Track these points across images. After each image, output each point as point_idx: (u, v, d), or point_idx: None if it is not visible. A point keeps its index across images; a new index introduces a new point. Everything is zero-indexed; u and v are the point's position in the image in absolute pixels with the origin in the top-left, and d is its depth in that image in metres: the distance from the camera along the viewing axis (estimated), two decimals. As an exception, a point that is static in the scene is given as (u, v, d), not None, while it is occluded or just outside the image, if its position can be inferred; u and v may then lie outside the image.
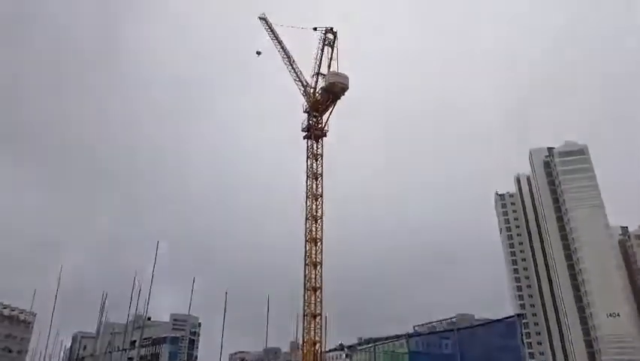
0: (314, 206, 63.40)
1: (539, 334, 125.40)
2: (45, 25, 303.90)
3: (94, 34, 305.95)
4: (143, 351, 47.22)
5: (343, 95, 64.57)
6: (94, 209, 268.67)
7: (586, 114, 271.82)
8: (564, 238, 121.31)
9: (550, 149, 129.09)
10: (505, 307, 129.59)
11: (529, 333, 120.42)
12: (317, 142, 65.22)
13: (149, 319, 66.58)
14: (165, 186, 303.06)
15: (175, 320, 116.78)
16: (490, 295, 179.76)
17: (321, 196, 63.76)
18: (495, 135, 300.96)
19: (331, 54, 64.40)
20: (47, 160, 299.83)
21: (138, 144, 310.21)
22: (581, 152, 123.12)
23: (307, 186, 64.15)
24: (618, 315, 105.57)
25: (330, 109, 65.85)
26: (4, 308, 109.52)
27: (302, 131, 66.02)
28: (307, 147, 65.19)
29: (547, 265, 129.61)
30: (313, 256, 61.87)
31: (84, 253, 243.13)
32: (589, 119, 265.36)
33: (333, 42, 64.51)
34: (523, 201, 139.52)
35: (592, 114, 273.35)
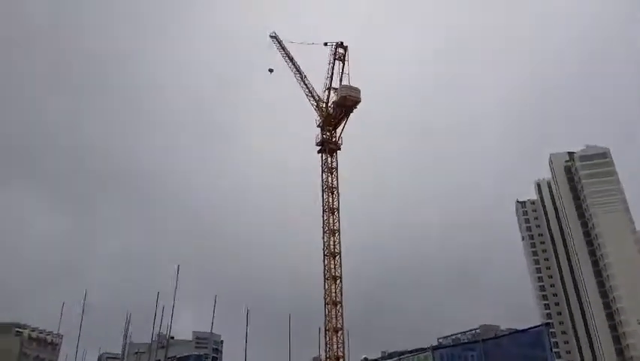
0: (331, 220, 63.50)
1: (567, 343, 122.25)
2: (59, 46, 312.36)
3: (115, 58, 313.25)
4: (166, 370, 47.39)
5: (356, 108, 64.93)
6: (116, 231, 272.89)
7: (607, 116, 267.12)
8: (589, 244, 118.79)
9: (570, 153, 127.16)
10: (530, 317, 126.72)
11: (556, 343, 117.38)
12: (331, 156, 65.56)
13: (172, 338, 66.91)
14: (186, 206, 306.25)
15: (197, 338, 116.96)
16: (515, 306, 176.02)
17: (338, 210, 63.83)
18: (514, 141, 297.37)
19: (342, 68, 65.03)
20: (66, 184, 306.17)
21: (157, 166, 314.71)
22: (604, 155, 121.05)
23: (323, 200, 64.32)
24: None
25: (344, 122, 66.25)
26: (32, 331, 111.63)
27: (316, 145, 66.43)
28: (322, 161, 65.51)
29: (572, 273, 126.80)
30: (332, 270, 61.88)
31: (107, 274, 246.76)
32: (610, 121, 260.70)
33: (344, 56, 65.19)
34: (544, 208, 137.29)
35: (613, 116, 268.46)
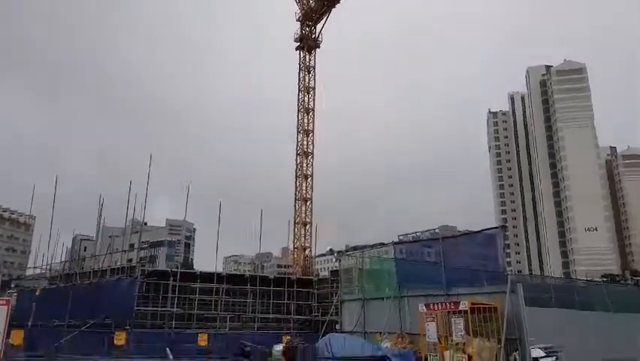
0: (305, 120, 63.29)
1: (518, 245, 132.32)
2: None
3: None
4: (141, 253, 49.62)
5: (339, 2, 61.70)
6: (94, 115, 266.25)
7: (587, 31, 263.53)
8: (552, 156, 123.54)
9: (548, 67, 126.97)
10: (488, 222, 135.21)
11: (508, 245, 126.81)
12: (310, 54, 63.49)
13: (145, 224, 69.05)
14: (163, 97, 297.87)
15: (171, 225, 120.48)
16: (476, 212, 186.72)
17: (313, 110, 63.42)
18: (494, 54, 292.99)
19: (327, -45, 60.47)
20: (50, 67, 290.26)
21: (136, 58, 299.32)
22: (579, 71, 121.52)
23: (299, 99, 63.49)
24: (596, 229, 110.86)
25: (325, 18, 63.27)
26: (4, 212, 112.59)
27: (294, 41, 63.96)
28: (299, 58, 63.52)
29: (532, 183, 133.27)
30: (304, 168, 63.03)
31: (83, 158, 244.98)
32: (590, 36, 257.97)
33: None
34: (515, 120, 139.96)
35: (593, 30, 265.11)
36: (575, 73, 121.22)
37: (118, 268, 34.49)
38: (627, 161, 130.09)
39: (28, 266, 67.88)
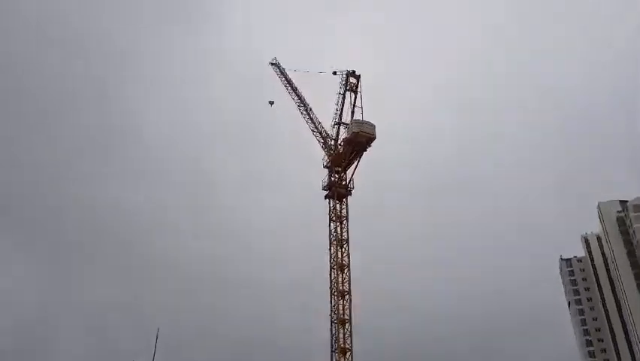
0: (340, 278, 54.17)
1: None
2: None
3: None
4: None
5: (370, 146, 56.61)
6: (87, 289, 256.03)
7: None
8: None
9: (622, 202, 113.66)
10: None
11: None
12: (340, 202, 56.56)
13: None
14: (165, 264, 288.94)
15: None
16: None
17: (348, 266, 54.51)
18: (548, 190, 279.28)
19: (354, 100, 57.68)
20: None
21: (136, 219, 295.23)
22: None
23: (331, 255, 54.98)
24: None
25: (355, 163, 57.75)
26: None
27: (322, 190, 57.70)
28: (329, 208, 56.53)
29: (629, 345, 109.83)
30: (341, 340, 52.35)
31: (78, 336, 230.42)
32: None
33: (356, 86, 57.76)
34: (594, 266, 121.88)
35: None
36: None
37: None
38: None
39: None
